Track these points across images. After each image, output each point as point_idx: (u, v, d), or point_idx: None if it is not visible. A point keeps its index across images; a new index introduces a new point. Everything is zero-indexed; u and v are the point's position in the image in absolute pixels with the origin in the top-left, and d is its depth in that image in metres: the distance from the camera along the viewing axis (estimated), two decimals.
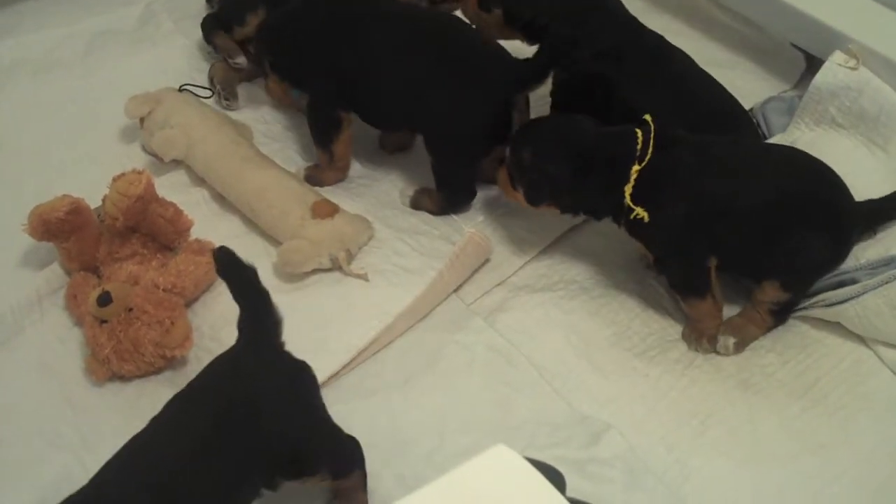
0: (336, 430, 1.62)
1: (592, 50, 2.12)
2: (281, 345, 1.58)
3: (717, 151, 1.90)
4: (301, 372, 1.59)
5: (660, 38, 2.19)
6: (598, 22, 2.16)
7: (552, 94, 2.26)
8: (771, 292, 1.92)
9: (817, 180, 1.92)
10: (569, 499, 0.79)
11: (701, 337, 1.96)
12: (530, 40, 2.26)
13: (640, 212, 1.83)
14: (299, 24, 2.18)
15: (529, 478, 0.79)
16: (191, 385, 1.54)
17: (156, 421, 1.50)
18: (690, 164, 1.86)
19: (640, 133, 1.86)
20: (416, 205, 2.22)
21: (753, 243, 1.88)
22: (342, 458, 1.64)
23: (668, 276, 1.99)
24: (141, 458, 1.45)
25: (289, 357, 1.58)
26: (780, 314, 1.96)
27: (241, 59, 2.46)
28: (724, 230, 1.86)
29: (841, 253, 1.95)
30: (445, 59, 2.07)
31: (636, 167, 1.83)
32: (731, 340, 1.95)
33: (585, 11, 2.17)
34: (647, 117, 1.89)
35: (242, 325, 1.58)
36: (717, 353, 1.95)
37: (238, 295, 1.58)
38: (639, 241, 1.94)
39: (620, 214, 1.89)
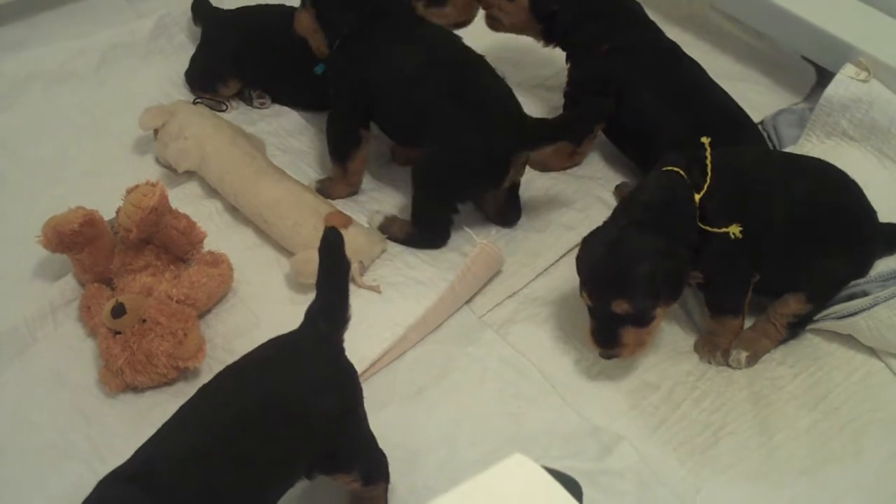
0: (373, 438, 1.66)
1: (610, 46, 2.14)
2: (341, 341, 1.61)
3: (754, 164, 1.90)
4: (352, 374, 1.62)
5: (674, 45, 2.22)
6: (618, 19, 2.19)
7: (566, 94, 2.28)
8: (795, 305, 1.92)
9: (847, 194, 1.93)
10: None
11: (715, 350, 1.96)
12: (547, 38, 2.26)
13: (734, 229, 1.78)
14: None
15: (547, 487, 0.80)
16: (246, 358, 1.56)
17: (204, 391, 1.52)
18: (735, 180, 1.85)
19: (678, 169, 1.81)
20: (385, 230, 2.18)
21: (791, 256, 1.89)
22: (375, 465, 1.67)
23: (711, 296, 1.95)
24: (189, 425, 1.47)
25: (344, 356, 1.61)
26: (797, 327, 1.96)
27: (224, 107, 2.51)
28: (766, 244, 1.85)
29: (865, 266, 1.96)
30: (459, 96, 2.04)
31: (698, 196, 1.80)
32: (744, 354, 1.95)
33: (606, 8, 2.20)
34: (705, 140, 1.84)
35: (312, 312, 1.60)
36: (730, 366, 1.95)
37: (323, 281, 1.60)
38: (698, 268, 1.88)
39: None
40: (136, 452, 1.45)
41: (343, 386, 1.59)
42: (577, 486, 0.83)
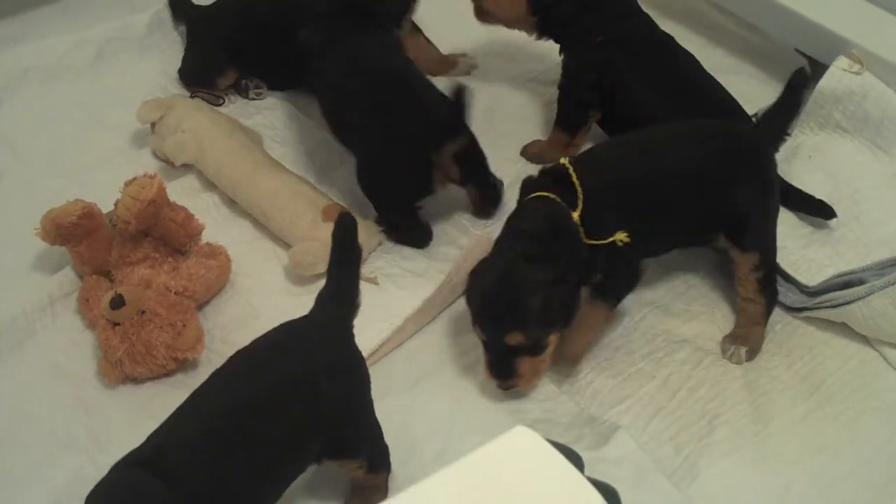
0: (378, 425, 1.67)
1: (604, 37, 2.14)
2: (351, 327, 1.62)
3: (616, 161, 1.90)
4: (361, 359, 1.63)
5: (668, 37, 2.23)
6: (612, 10, 2.19)
7: (560, 87, 2.28)
8: (742, 263, 1.91)
9: (713, 139, 1.93)
10: (588, 478, 0.81)
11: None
12: (541, 31, 2.25)
13: (620, 236, 1.78)
14: None
15: (550, 458, 0.81)
16: (257, 343, 1.57)
17: (217, 375, 1.53)
18: (608, 185, 1.83)
19: (549, 194, 1.80)
20: (380, 223, 2.17)
21: (694, 215, 1.90)
22: (379, 452, 1.69)
23: (615, 289, 1.91)
24: (201, 409, 1.48)
25: (354, 342, 1.62)
26: (766, 284, 1.94)
27: (220, 101, 2.50)
28: (663, 223, 1.88)
29: (766, 184, 1.93)
30: (371, 109, 2.04)
31: (576, 214, 1.78)
32: (743, 350, 1.96)
33: None
34: (564, 160, 1.83)
35: (323, 297, 1.61)
36: (732, 362, 1.97)
37: (335, 265, 1.62)
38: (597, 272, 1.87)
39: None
40: (149, 437, 1.46)
41: (353, 371, 1.60)
42: (578, 458, 0.84)
